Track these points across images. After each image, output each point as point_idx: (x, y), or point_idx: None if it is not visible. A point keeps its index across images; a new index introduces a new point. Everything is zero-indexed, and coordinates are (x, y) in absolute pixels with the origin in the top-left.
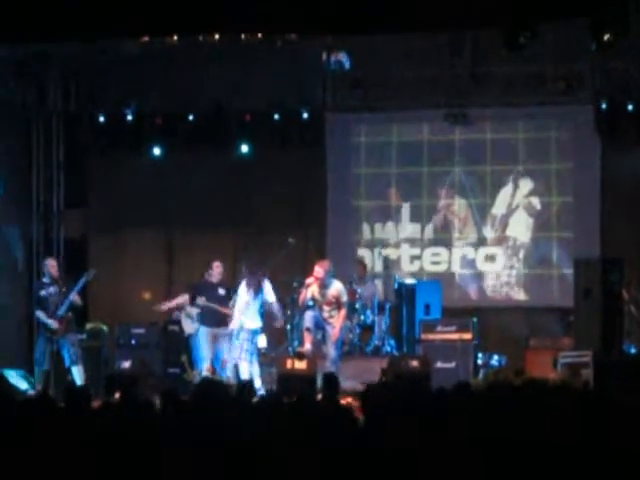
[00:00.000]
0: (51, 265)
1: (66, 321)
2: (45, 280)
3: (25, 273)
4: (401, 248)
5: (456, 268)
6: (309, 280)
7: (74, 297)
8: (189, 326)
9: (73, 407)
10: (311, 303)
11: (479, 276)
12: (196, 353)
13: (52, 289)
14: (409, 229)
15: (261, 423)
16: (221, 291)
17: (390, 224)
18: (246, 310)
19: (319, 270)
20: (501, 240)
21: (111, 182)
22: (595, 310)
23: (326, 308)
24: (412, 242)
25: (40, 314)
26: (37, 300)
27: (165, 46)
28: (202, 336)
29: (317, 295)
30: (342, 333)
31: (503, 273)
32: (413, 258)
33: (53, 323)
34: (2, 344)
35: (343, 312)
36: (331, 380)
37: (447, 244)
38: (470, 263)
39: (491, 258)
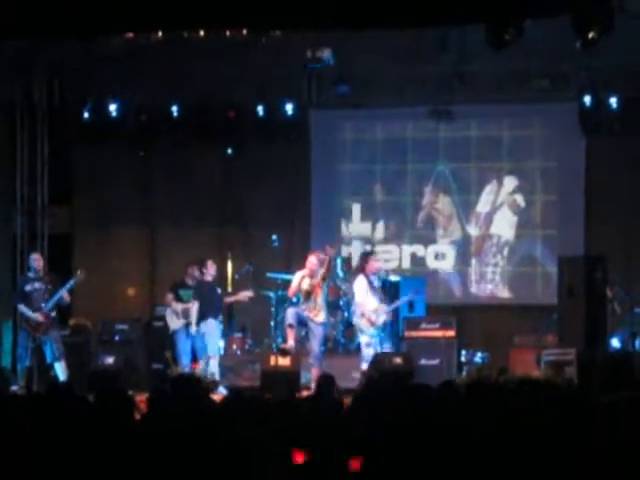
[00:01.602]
0: (36, 259)
1: (49, 318)
2: (30, 275)
3: (8, 269)
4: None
5: (406, 265)
6: (304, 272)
7: (64, 295)
8: (174, 322)
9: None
10: (296, 299)
11: (463, 274)
12: (181, 349)
13: (37, 284)
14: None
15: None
16: (218, 290)
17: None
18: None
19: (312, 261)
20: (485, 238)
21: (95, 178)
22: (579, 308)
23: (313, 297)
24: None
25: (23, 308)
26: (21, 294)
27: (150, 42)
28: (215, 329)
29: (307, 286)
30: (325, 330)
31: (487, 270)
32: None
33: (38, 316)
34: None
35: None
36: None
37: (431, 241)
38: (420, 261)
39: (442, 256)
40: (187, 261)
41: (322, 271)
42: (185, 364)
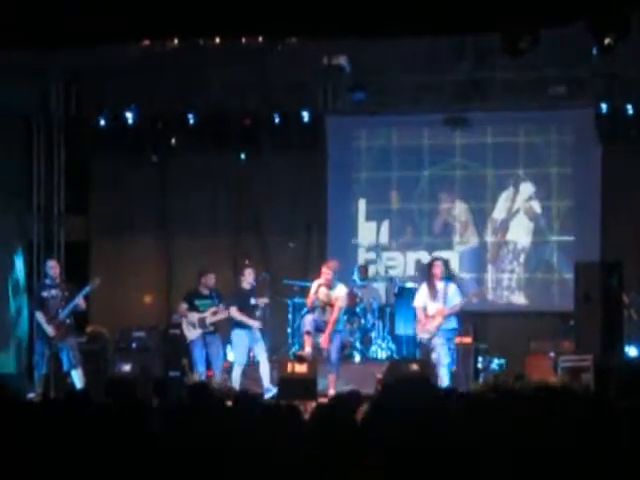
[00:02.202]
0: (52, 266)
1: (65, 325)
2: (47, 282)
3: (25, 276)
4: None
5: (410, 272)
6: (319, 281)
7: (80, 302)
8: (191, 332)
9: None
10: (315, 304)
11: (480, 280)
12: (197, 357)
13: (54, 291)
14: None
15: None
16: (252, 300)
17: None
18: None
19: (327, 271)
20: (501, 244)
21: (112, 186)
22: (595, 314)
23: (329, 310)
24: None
25: (39, 316)
26: (38, 301)
27: (166, 50)
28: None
29: (323, 297)
30: (341, 337)
31: (504, 277)
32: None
33: (51, 330)
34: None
35: (335, 315)
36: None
37: (449, 247)
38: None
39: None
40: (201, 270)
41: (341, 304)
42: (201, 372)
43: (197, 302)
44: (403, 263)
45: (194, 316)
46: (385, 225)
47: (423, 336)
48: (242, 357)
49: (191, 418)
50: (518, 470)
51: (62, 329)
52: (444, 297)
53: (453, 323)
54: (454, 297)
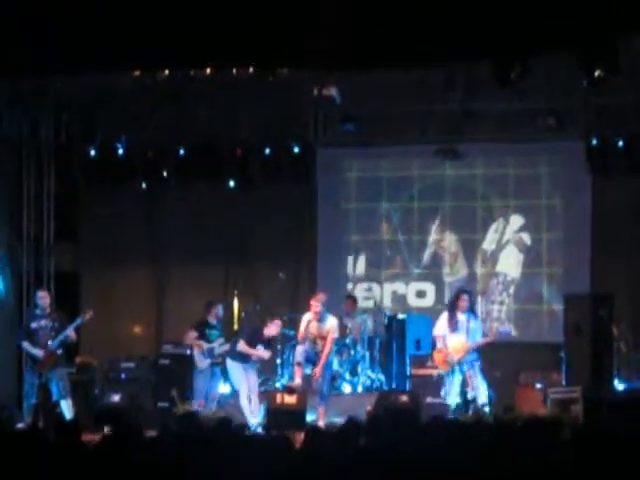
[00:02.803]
0: (42, 297)
1: (55, 355)
2: (37, 312)
3: (15, 306)
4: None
5: (387, 303)
6: (308, 316)
7: (70, 333)
8: (202, 362)
9: (64, 441)
10: (306, 337)
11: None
12: (200, 387)
13: (44, 322)
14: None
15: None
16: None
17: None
18: None
19: (316, 304)
20: (491, 276)
21: (102, 215)
22: (585, 346)
23: (320, 342)
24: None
25: (26, 345)
26: (26, 331)
27: (157, 80)
28: (237, 367)
29: (314, 330)
30: (331, 369)
31: (493, 308)
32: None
33: (39, 353)
34: None
35: (328, 348)
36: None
37: (437, 280)
38: (400, 299)
39: (421, 294)
40: (210, 300)
41: (333, 336)
42: (197, 402)
43: (207, 331)
44: (380, 295)
45: (204, 346)
46: (362, 257)
47: (442, 367)
48: (244, 384)
49: (188, 448)
50: None
51: (52, 359)
52: (467, 330)
53: (474, 354)
54: (476, 332)
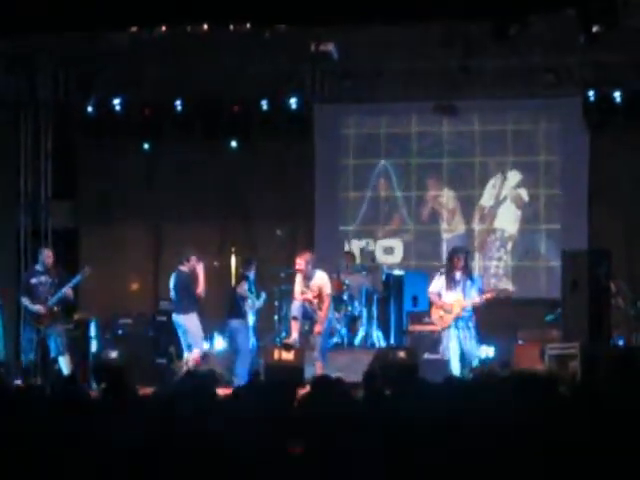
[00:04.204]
0: (47, 256)
1: (54, 312)
2: (38, 268)
3: (14, 264)
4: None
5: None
6: (299, 276)
7: (67, 291)
8: (249, 318)
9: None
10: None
11: None
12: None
13: (43, 278)
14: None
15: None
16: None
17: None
18: None
19: (300, 262)
20: (489, 232)
21: (100, 173)
22: (583, 302)
23: (315, 301)
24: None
25: (25, 301)
26: (26, 287)
27: (153, 36)
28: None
29: (302, 287)
30: (329, 324)
31: (491, 265)
32: None
33: (40, 308)
34: None
35: (326, 304)
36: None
37: (435, 235)
38: (369, 254)
39: (389, 250)
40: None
41: (327, 291)
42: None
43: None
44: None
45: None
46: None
47: (439, 324)
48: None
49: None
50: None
51: (51, 315)
52: (463, 288)
53: (469, 312)
54: (472, 291)
